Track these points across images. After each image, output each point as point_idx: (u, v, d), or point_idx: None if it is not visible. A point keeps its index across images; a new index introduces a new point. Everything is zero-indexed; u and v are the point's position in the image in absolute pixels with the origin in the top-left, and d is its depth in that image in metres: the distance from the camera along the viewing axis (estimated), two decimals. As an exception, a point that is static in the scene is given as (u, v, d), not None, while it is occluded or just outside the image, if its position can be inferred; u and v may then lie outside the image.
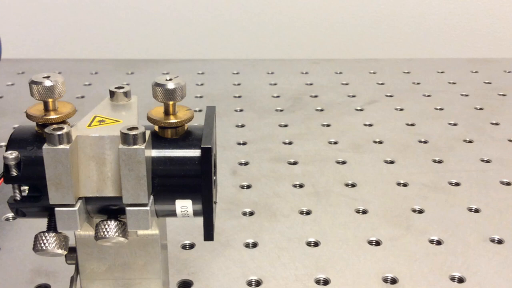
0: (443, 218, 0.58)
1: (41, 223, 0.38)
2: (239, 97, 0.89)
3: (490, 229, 0.56)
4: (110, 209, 0.38)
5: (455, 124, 0.79)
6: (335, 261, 0.52)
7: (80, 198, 0.37)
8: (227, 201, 0.61)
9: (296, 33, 1.10)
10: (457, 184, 0.64)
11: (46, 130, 0.35)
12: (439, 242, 0.54)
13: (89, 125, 0.38)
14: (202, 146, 0.37)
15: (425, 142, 0.74)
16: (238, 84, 0.94)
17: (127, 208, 0.36)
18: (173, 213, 0.39)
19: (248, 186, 0.64)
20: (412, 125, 0.79)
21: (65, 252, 0.38)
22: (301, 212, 0.59)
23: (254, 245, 0.54)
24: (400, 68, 1.01)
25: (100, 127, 0.38)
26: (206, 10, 1.09)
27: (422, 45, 1.11)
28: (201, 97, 0.89)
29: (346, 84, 0.94)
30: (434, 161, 0.70)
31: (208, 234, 0.39)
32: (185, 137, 0.39)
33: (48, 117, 0.38)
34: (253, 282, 0.49)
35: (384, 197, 0.62)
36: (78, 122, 0.39)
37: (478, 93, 0.91)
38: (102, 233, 0.37)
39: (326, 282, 0.49)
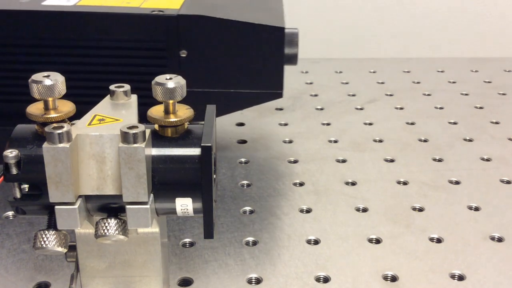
0: (443, 216, 0.58)
1: (41, 221, 0.38)
2: (239, 96, 0.89)
3: (490, 227, 0.56)
4: (110, 207, 0.38)
5: (455, 123, 0.80)
6: (335, 259, 0.52)
7: (80, 196, 0.37)
8: (227, 199, 0.61)
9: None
10: (457, 183, 0.64)
11: (46, 128, 0.35)
12: (439, 240, 0.54)
13: (89, 124, 0.38)
14: (202, 144, 0.37)
15: (425, 140, 0.74)
16: (238, 83, 0.94)
17: (127, 206, 0.36)
18: (173, 211, 0.39)
19: (248, 185, 0.64)
20: (412, 124, 0.79)
21: (65, 250, 0.38)
22: (301, 210, 0.59)
23: (254, 243, 0.54)
24: (400, 67, 1.01)
25: (100, 125, 0.38)
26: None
27: (422, 44, 1.11)
28: (201, 96, 0.89)
29: (346, 83, 0.94)
30: (434, 159, 0.70)
31: (208, 232, 0.40)
32: (185, 136, 0.39)
33: (48, 116, 0.38)
34: (253, 280, 0.49)
35: (384, 195, 0.62)
36: (78, 121, 0.39)
37: (478, 92, 0.90)
38: (102, 231, 0.37)
39: (326, 279, 0.49)
